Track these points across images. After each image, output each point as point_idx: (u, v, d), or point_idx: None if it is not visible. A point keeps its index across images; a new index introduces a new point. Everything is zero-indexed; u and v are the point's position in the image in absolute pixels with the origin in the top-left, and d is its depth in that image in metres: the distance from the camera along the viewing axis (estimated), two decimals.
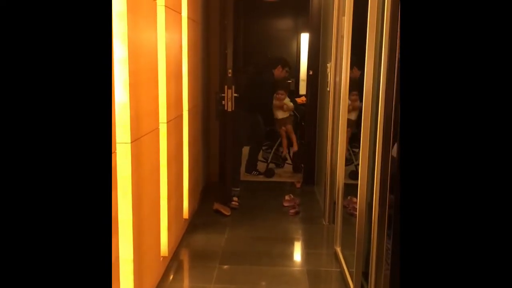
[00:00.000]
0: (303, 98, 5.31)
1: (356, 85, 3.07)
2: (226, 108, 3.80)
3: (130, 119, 1.89)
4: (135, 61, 1.95)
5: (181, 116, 3.02)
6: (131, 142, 1.91)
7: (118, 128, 1.86)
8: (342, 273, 2.69)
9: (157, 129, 2.35)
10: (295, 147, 4.95)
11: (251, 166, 5.03)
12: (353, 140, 3.75)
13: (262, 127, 4.98)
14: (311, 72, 4.50)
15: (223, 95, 3.81)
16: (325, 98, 3.90)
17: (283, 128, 5.05)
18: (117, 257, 1.84)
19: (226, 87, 3.77)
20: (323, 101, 4.05)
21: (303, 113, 5.08)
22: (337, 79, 3.27)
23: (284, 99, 4.97)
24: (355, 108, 3.48)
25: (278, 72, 4.84)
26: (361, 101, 2.36)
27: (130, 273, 2.00)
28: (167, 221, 2.69)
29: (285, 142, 5.04)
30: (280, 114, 5.08)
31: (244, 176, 4.78)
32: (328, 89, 3.58)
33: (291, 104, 5.01)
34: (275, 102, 4.96)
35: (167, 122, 2.61)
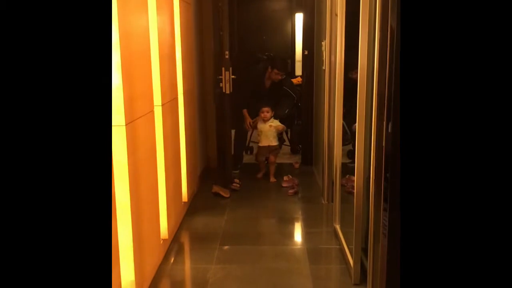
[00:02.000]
0: (299, 79, 5.28)
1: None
2: (224, 90, 3.79)
3: (124, 101, 1.88)
4: (127, 44, 1.93)
5: (176, 99, 3.01)
6: (125, 125, 1.90)
7: (112, 111, 1.85)
8: (341, 250, 2.71)
9: (151, 112, 2.34)
10: (271, 179, 4.09)
11: (236, 160, 4.40)
12: (350, 119, 3.75)
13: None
14: (306, 52, 4.47)
15: (220, 77, 3.78)
16: (321, 78, 3.88)
17: (263, 158, 4.13)
18: (116, 240, 1.85)
19: (223, 69, 3.74)
20: (319, 81, 4.03)
21: (299, 94, 5.06)
22: (332, 58, 3.25)
23: (269, 118, 4.04)
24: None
25: (270, 75, 4.31)
26: None
27: (130, 256, 2.01)
28: (166, 204, 2.69)
29: (262, 171, 4.18)
30: (264, 140, 4.07)
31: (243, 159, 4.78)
32: (324, 67, 3.56)
33: (281, 125, 4.11)
34: (258, 124, 4.10)
35: (162, 105, 2.60)
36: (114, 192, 1.83)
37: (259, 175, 4.16)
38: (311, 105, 4.50)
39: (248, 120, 4.24)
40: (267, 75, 4.36)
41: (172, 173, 2.85)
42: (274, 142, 4.10)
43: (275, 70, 4.29)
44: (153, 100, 2.39)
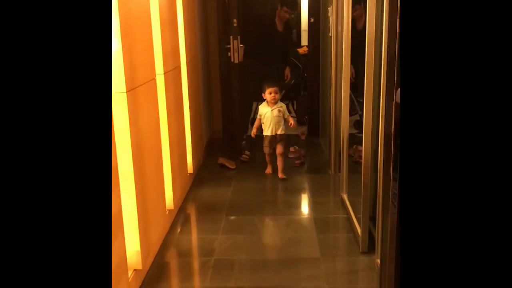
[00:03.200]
0: (305, 48, 5.17)
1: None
2: (232, 60, 3.70)
3: (124, 68, 1.82)
4: (125, 8, 1.85)
5: (179, 68, 2.94)
6: (126, 92, 1.84)
7: (113, 77, 1.80)
8: (349, 219, 2.68)
9: (153, 80, 2.28)
10: (280, 175, 3.42)
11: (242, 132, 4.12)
12: (357, 89, 3.67)
13: (260, 76, 4.78)
14: (312, 20, 4.35)
15: (228, 46, 3.69)
16: (327, 47, 3.78)
17: (270, 149, 3.47)
18: (120, 209, 1.82)
19: (231, 37, 3.64)
20: (326, 50, 3.93)
21: (305, 64, 4.96)
22: (339, 24, 3.14)
23: (277, 100, 3.40)
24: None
25: (278, 14, 4.04)
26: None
27: (135, 225, 1.99)
28: (171, 175, 2.66)
29: (270, 167, 3.53)
30: (270, 128, 3.39)
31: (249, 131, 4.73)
32: (330, 34, 3.46)
33: (287, 112, 3.46)
34: (261, 107, 3.46)
35: (164, 73, 2.53)
36: (116, 161, 1.79)
37: (268, 170, 3.52)
38: (318, 75, 4.41)
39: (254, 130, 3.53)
40: (276, 14, 4.08)
41: (176, 144, 2.81)
42: (282, 131, 3.42)
43: (284, 8, 3.98)
44: (154, 68, 2.33)
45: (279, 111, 3.39)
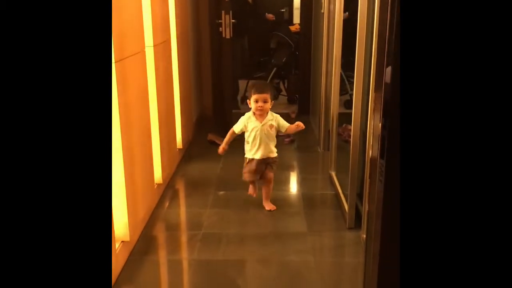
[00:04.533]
0: (297, 26, 5.13)
1: None
2: (224, 35, 3.66)
3: (113, 37, 1.79)
4: None
5: (168, 41, 2.90)
6: (115, 62, 1.82)
7: None
8: (337, 195, 2.71)
9: (142, 52, 2.25)
10: (267, 205, 2.56)
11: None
12: (348, 67, 3.66)
13: (246, 55, 4.74)
14: None
15: (220, 21, 3.64)
16: (319, 24, 3.74)
17: (255, 177, 2.53)
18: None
19: (223, 12, 3.59)
20: (318, 28, 3.90)
21: (297, 42, 4.92)
22: (331, 5, 3.11)
23: (266, 111, 2.45)
24: None
25: None
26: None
27: (123, 197, 1.99)
28: (160, 149, 2.65)
29: (252, 187, 2.63)
30: (258, 149, 2.46)
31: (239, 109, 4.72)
32: (322, 11, 3.42)
33: (286, 124, 2.51)
34: (248, 121, 2.48)
35: (154, 46, 2.50)
36: None
37: (250, 191, 2.61)
38: (309, 54, 4.38)
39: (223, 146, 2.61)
40: None
41: (165, 118, 2.80)
42: (274, 152, 2.52)
43: None
44: (144, 40, 2.29)
45: (271, 126, 2.46)
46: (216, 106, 4.27)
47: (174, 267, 2.12)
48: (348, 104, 4.07)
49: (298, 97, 4.79)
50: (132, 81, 2.07)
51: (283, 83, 5.23)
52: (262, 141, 2.46)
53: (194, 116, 3.99)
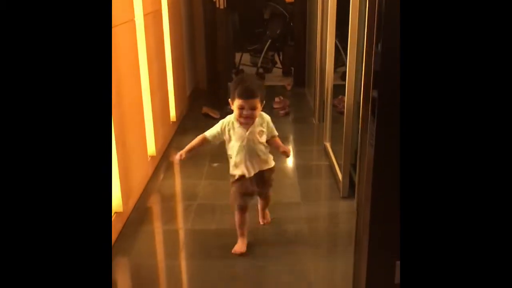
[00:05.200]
0: None
1: None
2: (218, 6, 3.60)
3: None
4: None
5: (159, 11, 2.84)
6: None
7: None
8: (331, 166, 2.71)
9: (132, 21, 2.21)
10: (262, 218, 2.13)
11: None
12: (344, 38, 3.60)
13: (236, 27, 4.65)
14: None
15: None
16: None
17: (245, 200, 1.92)
18: None
19: None
20: None
21: (292, 13, 4.84)
22: None
23: (253, 119, 1.85)
24: None
25: None
26: None
27: (115, 168, 1.98)
28: (153, 121, 2.63)
29: (242, 241, 1.93)
30: (246, 163, 1.87)
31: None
32: None
33: (274, 130, 1.95)
34: (229, 122, 1.90)
35: (144, 16, 2.45)
36: None
37: (238, 247, 1.90)
38: (304, 25, 4.32)
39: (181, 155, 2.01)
40: None
41: (157, 90, 2.77)
42: (270, 163, 1.94)
43: None
44: (133, 8, 2.24)
45: (261, 133, 1.86)
46: (211, 79, 4.23)
47: (169, 236, 2.13)
48: (345, 76, 4.03)
49: (293, 69, 4.75)
50: (121, 51, 2.03)
51: (278, 55, 5.18)
52: (251, 154, 1.83)
53: (189, 90, 3.96)
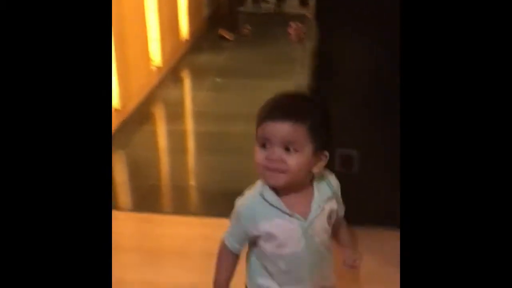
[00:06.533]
0: None
1: None
2: None
3: None
4: None
5: None
6: None
7: None
8: None
9: None
10: None
11: None
12: None
13: None
14: None
15: None
16: None
17: None
18: None
19: None
20: None
21: None
22: None
23: (301, 178, 0.85)
24: None
25: None
26: None
27: (113, 64, 2.09)
28: (159, 32, 2.70)
29: None
30: (303, 280, 0.89)
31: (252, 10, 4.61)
32: None
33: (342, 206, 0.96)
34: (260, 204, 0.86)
35: None
36: None
37: None
38: None
39: None
40: None
41: (165, 3, 2.81)
42: (331, 276, 0.97)
43: None
44: None
45: (329, 219, 0.91)
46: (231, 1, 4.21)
47: (168, 135, 2.29)
48: None
49: None
50: None
51: None
52: (312, 263, 0.91)
53: (207, 11, 3.97)
